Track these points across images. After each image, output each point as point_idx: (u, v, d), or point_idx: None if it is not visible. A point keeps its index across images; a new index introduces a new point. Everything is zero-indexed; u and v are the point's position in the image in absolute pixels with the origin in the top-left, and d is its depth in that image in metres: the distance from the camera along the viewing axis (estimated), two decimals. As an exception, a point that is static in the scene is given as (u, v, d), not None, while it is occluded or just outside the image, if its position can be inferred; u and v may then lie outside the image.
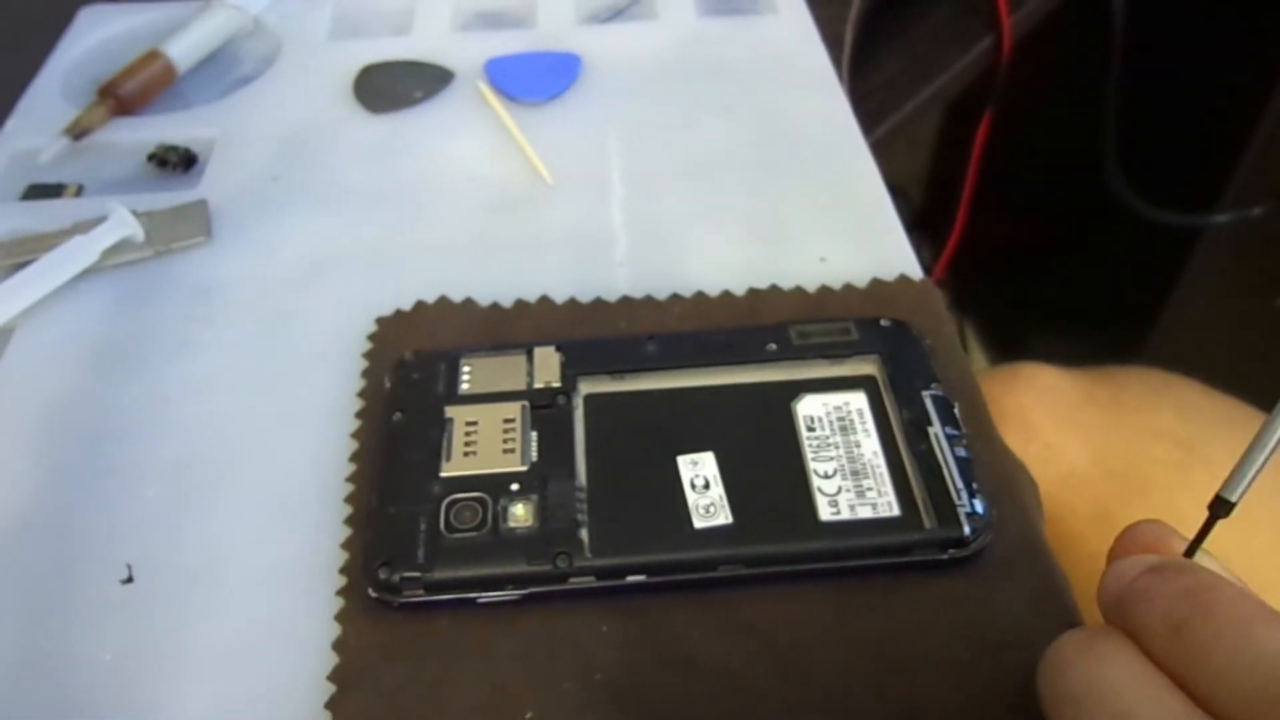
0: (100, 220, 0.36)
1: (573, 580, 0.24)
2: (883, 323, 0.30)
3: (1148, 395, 0.43)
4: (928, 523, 0.25)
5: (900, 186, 1.23)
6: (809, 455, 0.26)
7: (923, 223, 1.21)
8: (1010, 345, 1.21)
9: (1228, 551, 0.37)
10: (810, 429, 0.27)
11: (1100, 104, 0.79)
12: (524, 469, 0.26)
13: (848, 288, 0.33)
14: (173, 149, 0.40)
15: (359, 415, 0.30)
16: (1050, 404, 0.43)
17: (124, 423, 0.31)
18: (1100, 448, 0.41)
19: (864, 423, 0.27)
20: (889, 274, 0.34)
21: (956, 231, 0.80)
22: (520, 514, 0.25)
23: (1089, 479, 0.41)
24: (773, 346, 0.29)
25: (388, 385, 0.29)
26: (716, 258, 0.35)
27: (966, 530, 0.24)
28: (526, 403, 0.28)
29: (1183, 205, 0.82)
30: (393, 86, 0.43)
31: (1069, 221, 1.02)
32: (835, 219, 0.37)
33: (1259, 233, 0.83)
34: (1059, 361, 1.13)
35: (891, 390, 0.28)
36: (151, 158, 0.40)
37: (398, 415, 0.28)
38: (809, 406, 0.28)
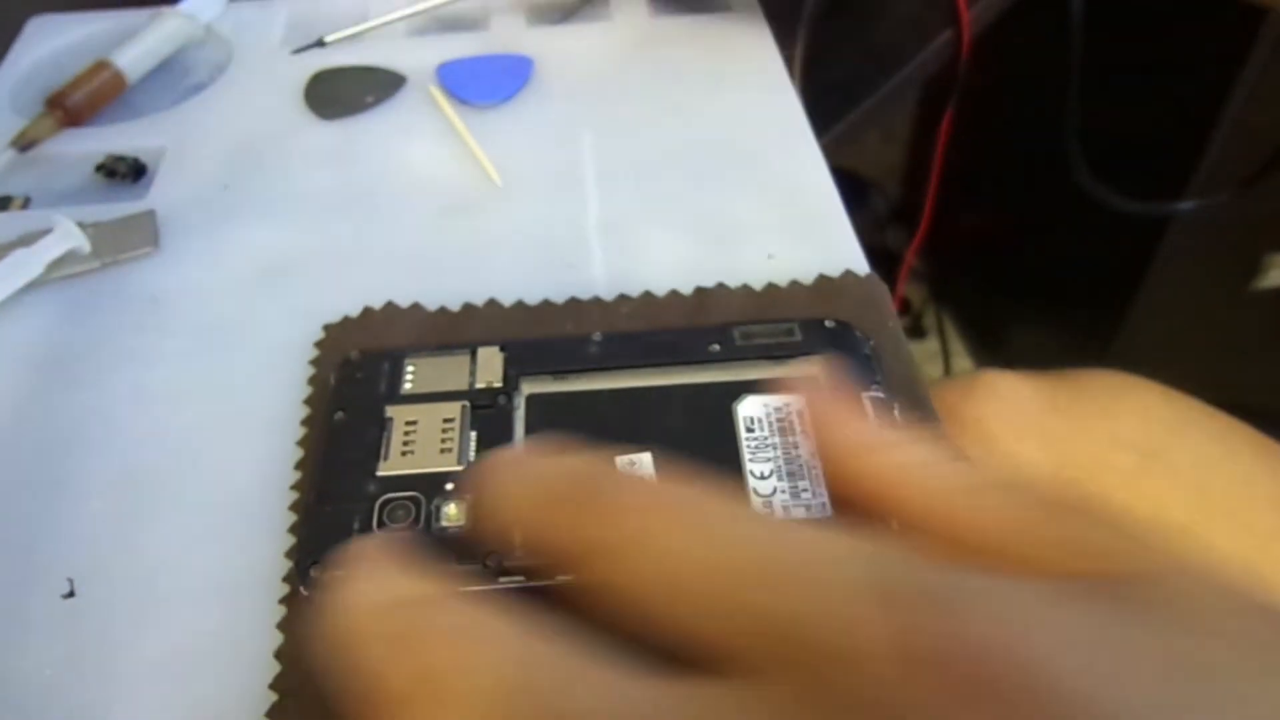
0: (45, 232, 0.35)
1: (502, 580, 0.24)
2: (827, 324, 0.30)
3: (1108, 401, 0.43)
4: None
5: (875, 180, 1.23)
6: (746, 456, 0.27)
7: (898, 216, 1.21)
8: (988, 334, 1.21)
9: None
10: (749, 430, 0.27)
11: (1063, 94, 0.79)
12: (460, 468, 0.26)
13: (794, 284, 0.33)
14: (121, 159, 0.40)
15: (305, 422, 0.30)
16: (1010, 412, 0.43)
17: (70, 435, 0.31)
18: (1060, 456, 0.41)
19: (803, 424, 0.27)
20: (836, 270, 0.34)
21: (924, 224, 0.80)
22: (453, 513, 0.25)
23: None
24: (716, 348, 0.29)
25: (332, 383, 0.29)
26: (665, 257, 0.35)
27: None
28: (467, 403, 0.28)
29: (1149, 194, 0.82)
30: (344, 92, 0.43)
31: (1041, 212, 1.03)
32: (784, 216, 0.37)
33: (1226, 219, 0.83)
34: (1035, 349, 1.13)
35: None
36: (100, 168, 0.40)
37: (339, 414, 0.28)
38: (749, 407, 0.28)
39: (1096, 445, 0.42)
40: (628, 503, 0.16)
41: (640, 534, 0.16)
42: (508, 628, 0.15)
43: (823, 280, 0.33)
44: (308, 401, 0.31)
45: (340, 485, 0.26)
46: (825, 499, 0.25)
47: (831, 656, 0.13)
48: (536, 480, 0.17)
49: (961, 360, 1.22)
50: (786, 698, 0.13)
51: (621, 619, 0.15)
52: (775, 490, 0.26)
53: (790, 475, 0.26)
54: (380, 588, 0.16)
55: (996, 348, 1.20)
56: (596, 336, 0.30)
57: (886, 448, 0.18)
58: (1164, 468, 0.40)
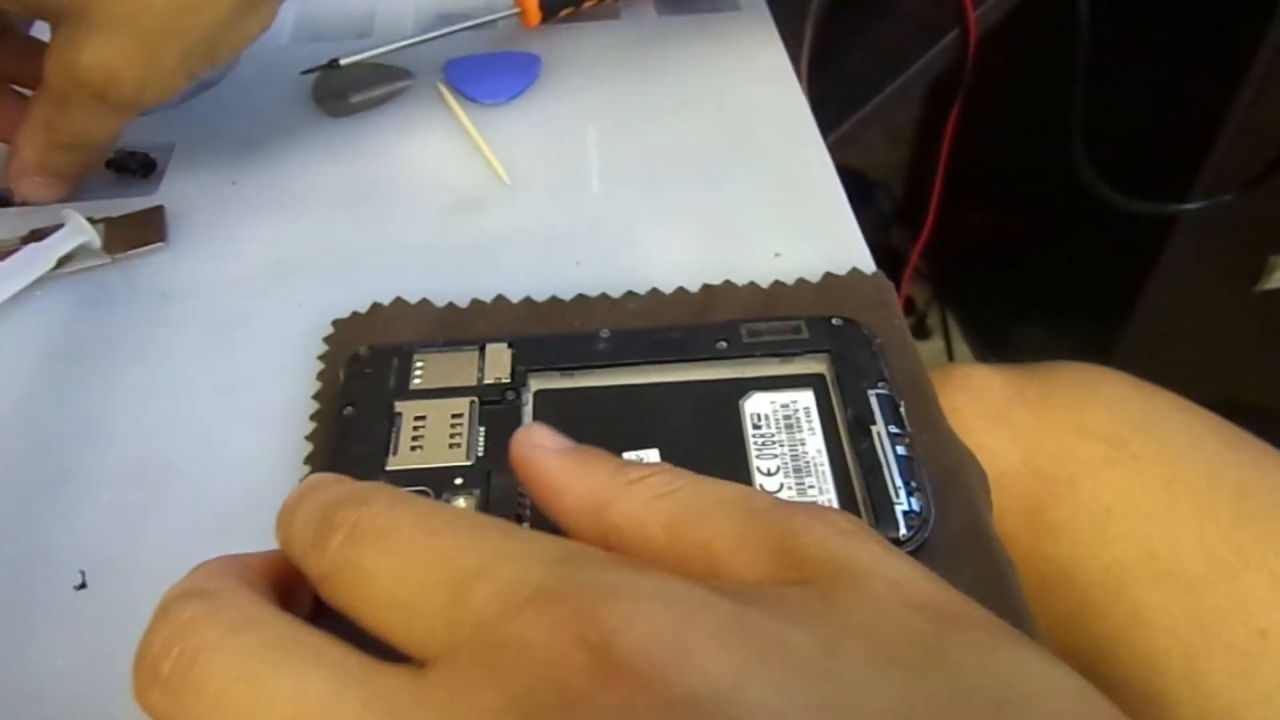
0: (56, 227, 0.36)
1: None
2: (834, 321, 0.30)
3: (1077, 392, 0.43)
4: (866, 520, 0.25)
5: (882, 180, 1.23)
6: (753, 453, 0.27)
7: (904, 216, 1.21)
8: (992, 334, 1.21)
9: (1153, 548, 0.38)
10: (756, 426, 0.27)
11: (1069, 93, 0.79)
12: (469, 464, 0.27)
13: (801, 282, 0.33)
14: (131, 154, 0.40)
15: (314, 417, 0.30)
16: (982, 405, 0.43)
17: (80, 429, 0.31)
18: (1029, 446, 0.42)
19: (810, 421, 0.27)
20: (842, 268, 0.34)
21: (929, 223, 0.80)
22: (462, 508, 0.25)
23: (1019, 478, 0.41)
24: (723, 344, 0.29)
25: (341, 378, 0.30)
26: (672, 254, 0.35)
27: (902, 529, 0.24)
28: (475, 398, 0.28)
29: (1154, 194, 0.82)
30: (352, 90, 0.44)
31: (1046, 211, 1.03)
32: (790, 214, 0.37)
33: (1231, 220, 0.83)
34: (1039, 349, 1.13)
35: (839, 389, 0.28)
36: (110, 164, 0.40)
37: (349, 409, 0.28)
38: (756, 404, 0.28)
39: (1064, 436, 0.42)
40: (336, 537, 0.18)
41: (336, 565, 0.18)
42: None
43: (829, 278, 0.33)
44: (316, 397, 0.31)
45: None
46: (833, 495, 0.26)
47: (506, 644, 0.15)
48: (289, 521, 0.19)
49: (966, 361, 1.22)
50: (473, 680, 0.15)
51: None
52: (781, 487, 0.26)
53: (797, 472, 0.26)
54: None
55: (1001, 348, 1.20)
56: (604, 333, 0.30)
57: (611, 503, 0.19)
58: (1130, 457, 0.40)
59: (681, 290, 0.33)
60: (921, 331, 1.24)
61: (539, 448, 0.21)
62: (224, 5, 0.33)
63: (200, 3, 0.32)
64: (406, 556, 0.17)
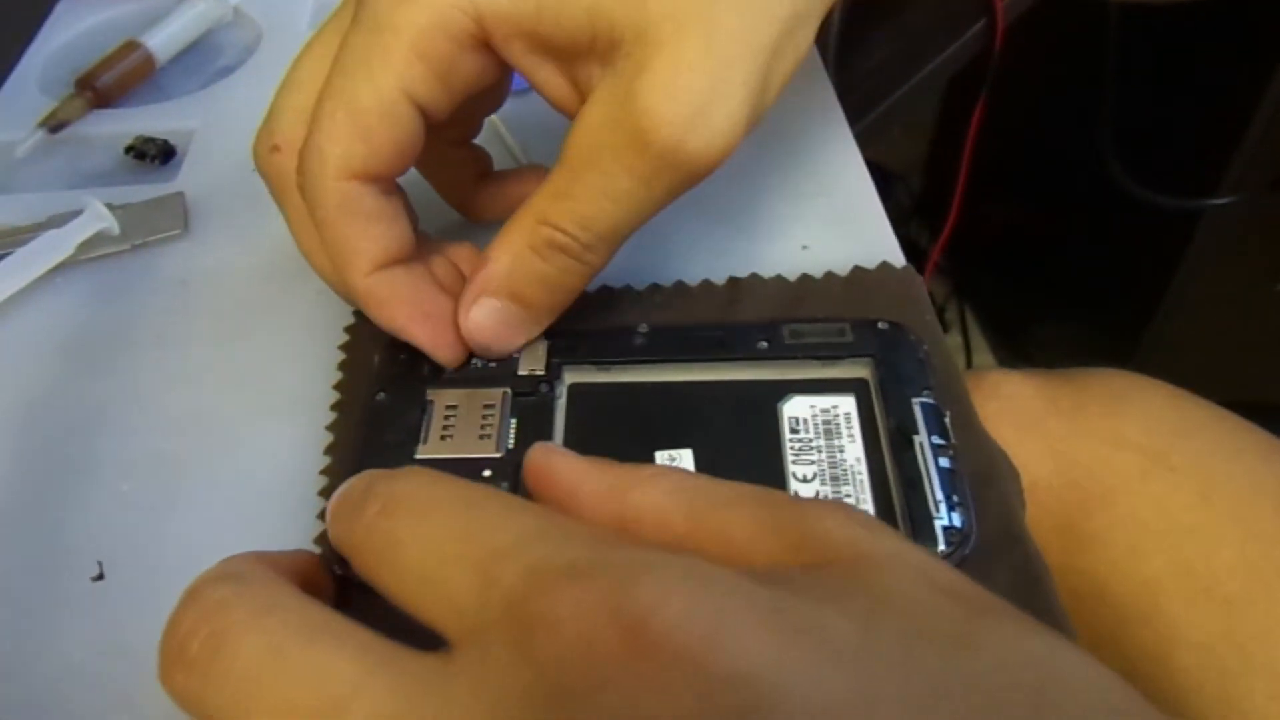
0: (75, 214, 0.35)
1: None
2: (879, 325, 0.29)
3: (1112, 402, 0.42)
4: (904, 534, 0.24)
5: (901, 173, 1.22)
6: (789, 458, 0.26)
7: (923, 209, 1.20)
8: (1011, 329, 1.20)
9: (1190, 564, 0.37)
10: (794, 431, 0.27)
11: (1098, 87, 0.78)
12: (498, 455, 0.26)
13: (829, 276, 0.33)
14: (151, 141, 0.40)
15: (334, 407, 0.30)
16: (1014, 414, 0.41)
17: (98, 417, 0.30)
18: (1062, 457, 0.40)
19: (850, 427, 0.27)
20: (871, 261, 0.33)
21: (952, 217, 0.79)
22: (499, 490, 0.25)
23: (1052, 490, 0.40)
24: (764, 344, 0.29)
25: (376, 363, 0.29)
26: (697, 246, 0.35)
27: (941, 546, 0.24)
28: (508, 389, 0.28)
29: (1180, 189, 0.81)
30: (374, 76, 0.43)
31: (1070, 205, 1.01)
32: (818, 206, 0.36)
33: (1260, 215, 0.82)
34: (1060, 345, 1.12)
35: (882, 395, 0.27)
36: (129, 150, 0.40)
37: (381, 395, 0.28)
38: (795, 408, 0.27)
39: (1099, 447, 0.41)
40: (372, 507, 0.18)
41: (370, 533, 0.18)
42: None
43: (858, 272, 0.33)
44: (338, 386, 0.30)
45: (377, 467, 0.26)
46: (870, 506, 0.25)
47: (536, 623, 0.15)
48: (337, 496, 0.20)
49: (983, 355, 1.21)
50: (501, 661, 0.15)
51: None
52: (817, 494, 0.25)
53: (834, 480, 0.25)
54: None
55: (1020, 343, 1.18)
56: (642, 328, 0.29)
57: (631, 490, 0.19)
58: (1167, 470, 0.39)
59: (707, 283, 0.33)
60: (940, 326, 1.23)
61: (553, 452, 0.21)
62: (781, 14, 0.25)
63: (761, 5, 0.25)
64: (440, 528, 0.17)
